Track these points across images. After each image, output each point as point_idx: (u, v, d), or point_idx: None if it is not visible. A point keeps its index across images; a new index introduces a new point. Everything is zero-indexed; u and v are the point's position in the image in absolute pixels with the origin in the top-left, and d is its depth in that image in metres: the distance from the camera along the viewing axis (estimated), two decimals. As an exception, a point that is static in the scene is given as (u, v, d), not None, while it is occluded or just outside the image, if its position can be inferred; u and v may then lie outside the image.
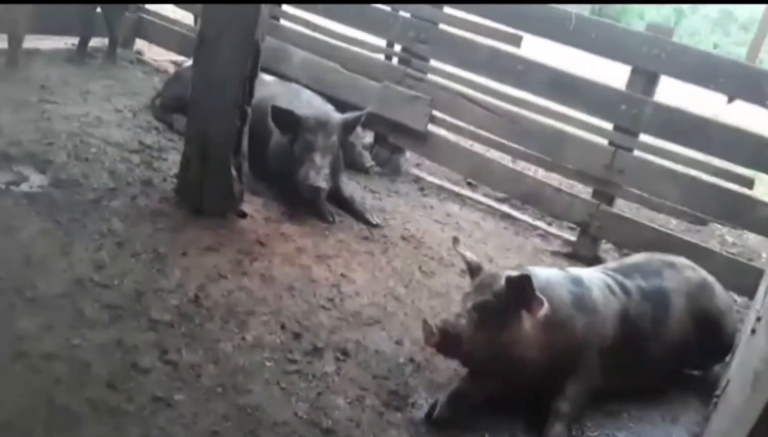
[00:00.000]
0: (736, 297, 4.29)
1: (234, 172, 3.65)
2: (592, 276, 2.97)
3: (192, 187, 3.68)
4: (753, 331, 3.00)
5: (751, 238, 5.39)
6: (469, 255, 2.82)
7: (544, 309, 2.51)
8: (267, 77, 4.68)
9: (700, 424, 2.94)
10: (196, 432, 2.24)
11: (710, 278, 3.30)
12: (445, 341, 2.52)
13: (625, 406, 2.95)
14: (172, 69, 5.95)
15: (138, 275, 2.99)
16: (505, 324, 2.56)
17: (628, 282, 3.00)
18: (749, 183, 4.16)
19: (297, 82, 4.95)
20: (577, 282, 2.83)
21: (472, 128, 5.01)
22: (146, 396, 2.32)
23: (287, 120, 4.07)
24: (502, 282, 2.58)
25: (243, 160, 3.72)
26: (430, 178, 5.33)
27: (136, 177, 3.88)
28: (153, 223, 3.44)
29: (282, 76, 5.03)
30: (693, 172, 4.45)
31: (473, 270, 2.76)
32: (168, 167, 4.12)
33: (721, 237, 5.48)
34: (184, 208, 3.64)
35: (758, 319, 2.97)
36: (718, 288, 3.28)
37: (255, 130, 3.91)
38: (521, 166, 5.43)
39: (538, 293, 2.51)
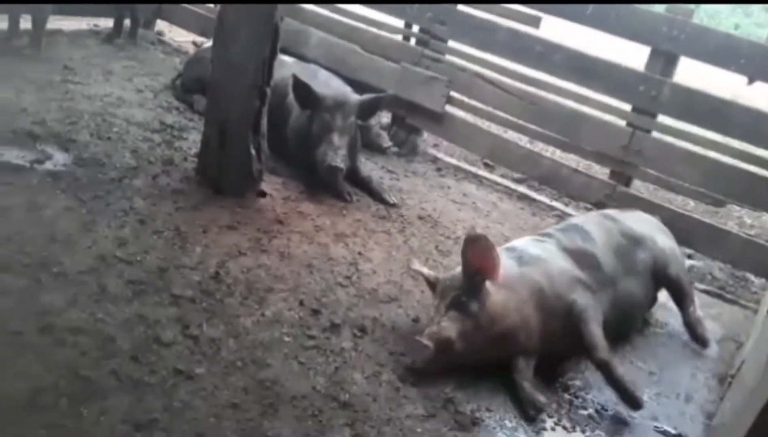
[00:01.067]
0: (753, 278, 4.30)
1: (253, 152, 3.69)
2: (519, 240, 3.21)
3: (212, 167, 3.73)
4: (769, 312, 3.01)
5: (769, 219, 5.38)
6: (425, 271, 3.00)
7: (498, 260, 2.71)
8: (286, 58, 4.70)
9: (714, 403, 2.96)
10: (216, 405, 2.30)
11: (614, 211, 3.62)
12: (440, 348, 2.60)
13: (639, 384, 2.97)
14: (192, 50, 6.00)
15: (160, 252, 3.05)
16: (480, 306, 2.69)
17: (544, 233, 3.30)
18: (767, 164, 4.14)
19: (315, 62, 4.97)
20: (510, 249, 3.03)
21: (489, 109, 5.01)
22: (168, 369, 2.38)
23: (306, 96, 4.11)
24: (459, 273, 2.75)
25: (262, 140, 3.76)
26: (447, 159, 5.35)
27: (157, 156, 3.94)
28: (174, 202, 3.50)
29: (301, 57, 5.06)
30: (711, 154, 4.42)
31: (432, 283, 2.92)
32: (188, 147, 4.17)
33: (740, 218, 5.45)
34: (205, 187, 3.70)
35: (775, 300, 2.98)
36: (631, 214, 3.58)
37: (274, 110, 3.95)
38: (539, 146, 5.43)
39: (491, 247, 2.70)
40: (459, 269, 2.83)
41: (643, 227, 3.47)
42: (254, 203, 3.73)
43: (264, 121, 3.74)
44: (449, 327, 2.65)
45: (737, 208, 5.28)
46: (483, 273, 2.72)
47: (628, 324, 3.27)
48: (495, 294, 2.74)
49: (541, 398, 2.71)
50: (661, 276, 3.38)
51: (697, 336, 3.41)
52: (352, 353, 2.74)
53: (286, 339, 2.71)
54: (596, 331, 2.86)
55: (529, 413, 2.64)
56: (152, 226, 3.24)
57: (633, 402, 2.72)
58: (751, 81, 4.16)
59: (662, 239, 3.49)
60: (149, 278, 2.85)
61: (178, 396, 2.28)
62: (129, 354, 2.41)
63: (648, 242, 3.37)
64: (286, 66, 4.51)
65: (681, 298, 3.47)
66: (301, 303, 2.96)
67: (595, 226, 3.32)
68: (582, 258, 3.07)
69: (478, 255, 2.71)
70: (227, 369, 2.47)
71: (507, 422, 2.59)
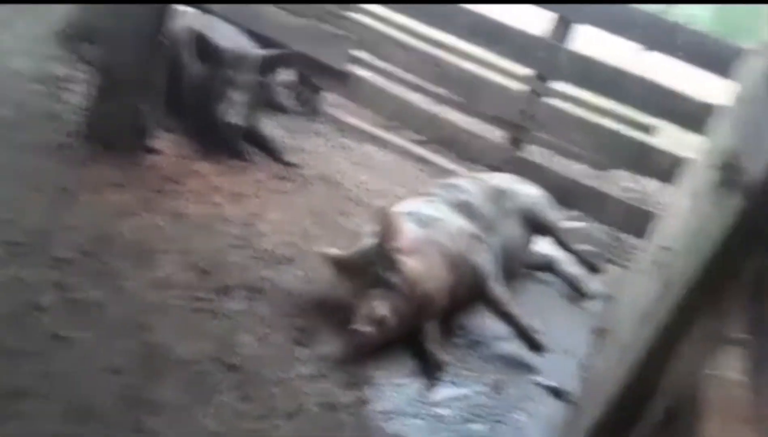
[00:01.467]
0: (630, 239, 4.55)
1: (146, 106, 3.54)
2: (410, 203, 3.28)
3: (102, 121, 3.54)
4: (644, 271, 3.20)
5: (648, 184, 5.65)
6: (332, 252, 2.94)
7: (400, 222, 2.79)
8: (185, 8, 4.50)
9: (591, 357, 3.13)
10: (98, 368, 2.23)
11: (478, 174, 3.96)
12: (378, 332, 2.62)
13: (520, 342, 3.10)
14: None
15: (42, 211, 2.90)
16: (401, 277, 2.71)
17: (428, 193, 3.42)
18: (649, 130, 4.35)
19: (218, 15, 4.77)
20: (407, 213, 3.07)
21: (394, 70, 5.00)
22: (46, 335, 2.28)
23: (206, 49, 3.95)
24: (368, 245, 2.80)
25: (156, 94, 3.60)
26: (349, 119, 5.29)
27: (42, 109, 3.70)
28: (59, 158, 3.32)
29: (202, 9, 4.84)
30: (599, 120, 4.60)
31: (341, 264, 2.88)
32: (77, 100, 3.92)
33: (621, 183, 5.72)
34: (93, 143, 3.49)
35: (650, 260, 3.17)
36: (493, 175, 3.90)
37: (170, 62, 3.79)
38: (441, 110, 5.46)
39: (398, 218, 2.82)
40: (365, 243, 2.86)
41: (506, 183, 3.69)
42: (146, 161, 3.58)
43: (158, 74, 3.58)
44: (380, 305, 2.65)
45: (620, 173, 5.54)
46: (395, 245, 2.74)
47: (512, 266, 3.42)
48: (409, 261, 2.76)
49: (445, 357, 2.80)
50: (534, 223, 3.59)
51: (594, 267, 3.76)
52: (244, 315, 2.72)
53: (176, 302, 2.66)
54: (498, 287, 3.02)
55: (435, 373, 2.73)
56: (34, 184, 3.06)
57: (537, 347, 2.93)
58: (645, 50, 4.33)
59: (527, 190, 3.71)
60: (29, 239, 2.71)
61: (57, 363, 2.20)
62: (4, 320, 2.29)
63: (513, 193, 3.58)
64: (186, 16, 4.32)
65: (563, 239, 3.73)
66: (193, 265, 2.89)
67: (466, 183, 3.52)
68: (466, 209, 3.23)
69: (390, 230, 2.75)
70: (111, 334, 2.40)
71: (397, 380, 2.66)
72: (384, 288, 2.68)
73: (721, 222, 1.23)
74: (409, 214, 3.08)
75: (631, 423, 1.52)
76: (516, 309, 3.00)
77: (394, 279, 2.70)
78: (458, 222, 3.12)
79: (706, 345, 1.45)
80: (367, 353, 2.66)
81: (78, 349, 2.27)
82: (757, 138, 1.25)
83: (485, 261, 3.05)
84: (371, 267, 2.73)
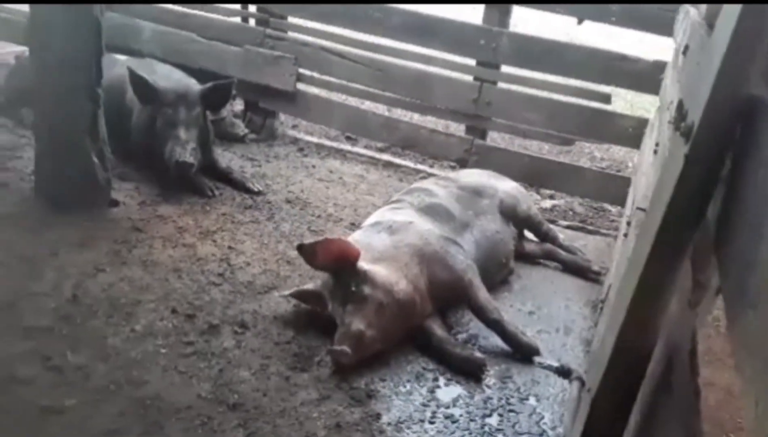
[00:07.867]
0: (610, 207, 4.57)
1: (95, 159, 3.43)
2: (376, 214, 3.26)
3: (52, 183, 3.44)
4: (625, 235, 3.20)
5: (617, 151, 5.71)
6: (305, 287, 2.91)
7: (341, 239, 2.69)
8: (118, 56, 4.41)
9: (590, 330, 3.12)
10: (94, 434, 2.13)
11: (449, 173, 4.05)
12: (358, 344, 2.56)
13: (520, 324, 3.06)
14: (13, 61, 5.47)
15: (6, 283, 2.77)
16: (371, 286, 2.66)
17: (393, 200, 3.41)
18: (606, 98, 4.37)
19: (152, 57, 4.69)
20: (375, 224, 3.07)
21: (341, 82, 4.96)
22: (32, 408, 2.17)
23: (145, 90, 3.86)
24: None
25: (104, 145, 3.50)
26: (308, 138, 5.25)
27: (-12, 181, 3.58)
28: (15, 227, 3.20)
29: (134, 54, 4.75)
30: (555, 96, 4.61)
31: (319, 294, 2.82)
32: (24, 165, 3.82)
33: (590, 154, 5.76)
34: (47, 206, 3.39)
35: (628, 224, 3.17)
36: (463, 172, 3.93)
37: (113, 111, 3.71)
38: (396, 113, 5.45)
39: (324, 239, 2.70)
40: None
41: (477, 179, 3.63)
42: (106, 214, 3.48)
43: (102, 124, 3.48)
44: (354, 321, 2.60)
45: (586, 144, 5.57)
46: (347, 259, 2.68)
47: (495, 263, 3.33)
48: (376, 269, 2.72)
49: (480, 355, 2.75)
50: (512, 217, 3.54)
51: (577, 255, 3.75)
52: (235, 351, 2.63)
53: (162, 351, 2.55)
54: (481, 294, 2.93)
55: (478, 374, 2.69)
56: (-7, 258, 2.94)
57: (530, 351, 2.85)
58: (580, 21, 4.35)
59: (501, 185, 3.65)
60: (-3, 314, 2.59)
61: (48, 434, 2.09)
62: (-17, 401, 2.17)
63: (488, 190, 3.53)
64: (119, 63, 4.23)
65: (543, 232, 3.72)
66: (173, 310, 2.80)
67: (434, 185, 3.47)
68: (435, 212, 3.19)
69: (326, 253, 2.67)
70: (100, 395, 2.29)
71: (401, 388, 2.59)
72: (357, 302, 2.63)
73: (675, 169, 1.20)
74: (376, 224, 3.06)
75: (630, 386, 1.48)
76: (502, 315, 2.92)
77: (366, 290, 2.65)
78: (427, 225, 3.07)
79: (690, 296, 1.42)
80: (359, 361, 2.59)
81: (69, 418, 2.16)
82: (696, 85, 1.24)
83: (464, 267, 2.97)
84: (345, 286, 2.68)
